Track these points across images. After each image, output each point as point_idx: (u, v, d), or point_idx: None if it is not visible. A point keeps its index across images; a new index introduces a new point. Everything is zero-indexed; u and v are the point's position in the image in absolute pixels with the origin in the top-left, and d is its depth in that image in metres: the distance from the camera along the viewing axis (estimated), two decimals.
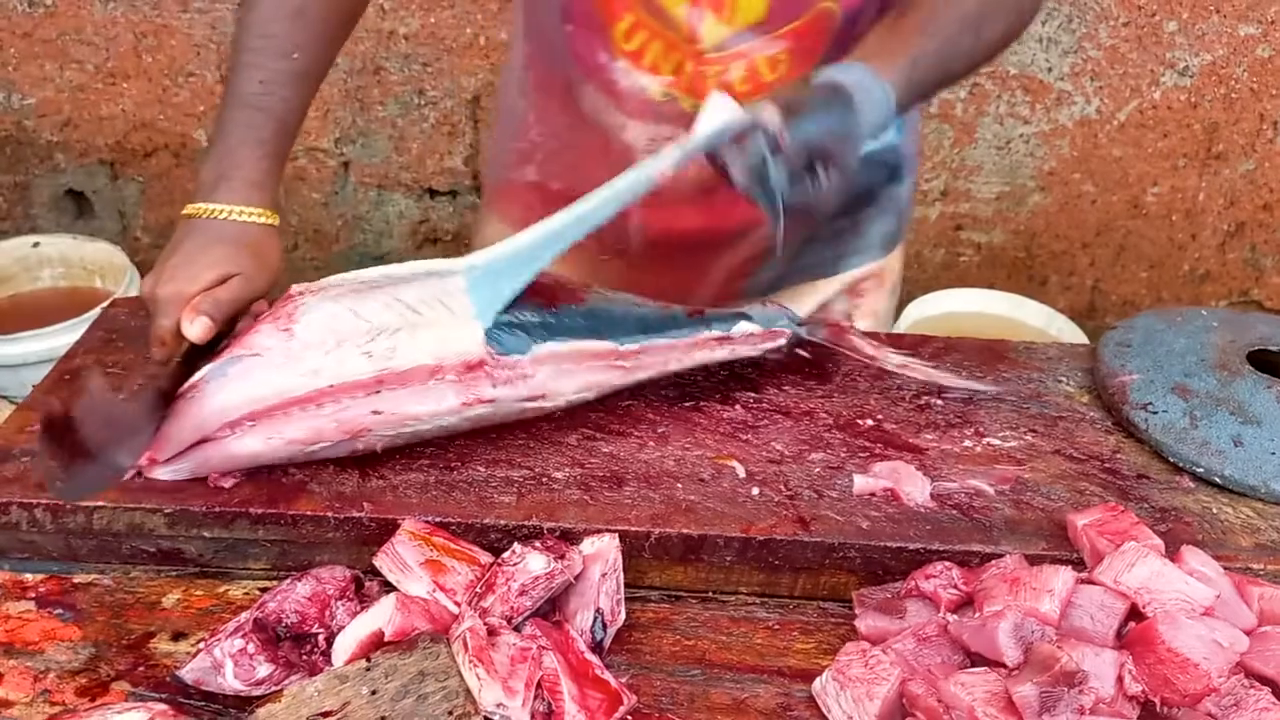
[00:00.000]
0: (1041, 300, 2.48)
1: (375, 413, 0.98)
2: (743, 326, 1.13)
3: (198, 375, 0.96)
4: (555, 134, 1.29)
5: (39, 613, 0.94)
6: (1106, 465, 1.08)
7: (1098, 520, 0.96)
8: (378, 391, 0.97)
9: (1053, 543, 0.98)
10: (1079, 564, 0.96)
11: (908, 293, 2.41)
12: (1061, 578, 0.89)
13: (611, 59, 1.16)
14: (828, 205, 0.98)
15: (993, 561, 0.95)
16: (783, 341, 1.16)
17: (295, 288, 1.01)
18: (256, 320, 1.00)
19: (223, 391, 0.95)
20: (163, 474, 0.98)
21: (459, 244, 2.63)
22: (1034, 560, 0.95)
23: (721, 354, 1.13)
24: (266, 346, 0.96)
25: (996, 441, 1.10)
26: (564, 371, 1.04)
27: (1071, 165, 2.43)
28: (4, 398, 2.17)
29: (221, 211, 1.04)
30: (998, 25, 1.10)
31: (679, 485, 1.03)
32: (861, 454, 1.08)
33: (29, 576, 0.98)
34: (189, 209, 1.06)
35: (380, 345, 0.97)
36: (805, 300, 1.35)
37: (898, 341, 1.25)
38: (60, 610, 0.95)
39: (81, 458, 0.88)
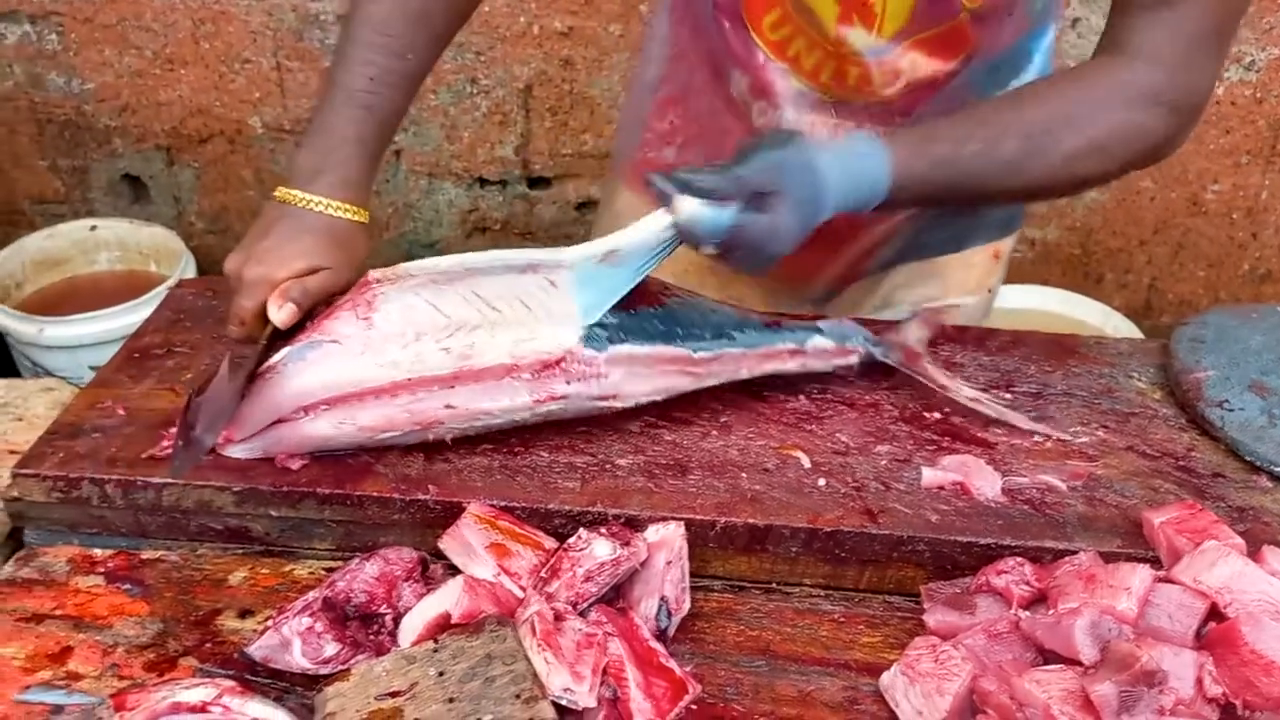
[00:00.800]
0: (1097, 298, 2.44)
1: (448, 407, 0.98)
2: (816, 341, 1.12)
3: (276, 357, 0.97)
4: (698, 118, 1.28)
5: (108, 588, 0.95)
6: (1181, 463, 1.06)
7: (1175, 518, 0.94)
8: (452, 386, 0.97)
9: (1127, 540, 0.96)
10: (1155, 562, 0.94)
11: None
12: (1139, 576, 0.87)
13: (757, 49, 1.15)
14: (784, 238, 0.98)
15: (1066, 558, 0.94)
16: (855, 359, 1.14)
17: (372, 274, 1.01)
18: (335, 306, 1.00)
19: (301, 375, 0.96)
20: (236, 452, 0.99)
21: (508, 232, 2.64)
22: (1108, 558, 0.93)
23: (792, 365, 1.12)
24: (346, 334, 0.96)
25: (1067, 437, 1.08)
26: (637, 374, 1.03)
27: None
28: (62, 379, 2.20)
29: (317, 204, 1.04)
30: (1083, 154, 1.05)
31: (744, 475, 1.02)
32: (929, 447, 1.07)
33: (98, 551, 0.99)
34: (282, 193, 1.05)
35: (459, 341, 0.97)
36: (927, 281, 1.35)
37: (963, 335, 1.23)
38: (129, 585, 0.95)
39: (184, 438, 0.91)
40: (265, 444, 0.98)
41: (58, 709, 0.85)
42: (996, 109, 1.08)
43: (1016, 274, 2.54)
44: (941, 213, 1.28)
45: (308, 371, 0.96)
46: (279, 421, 0.97)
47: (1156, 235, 2.46)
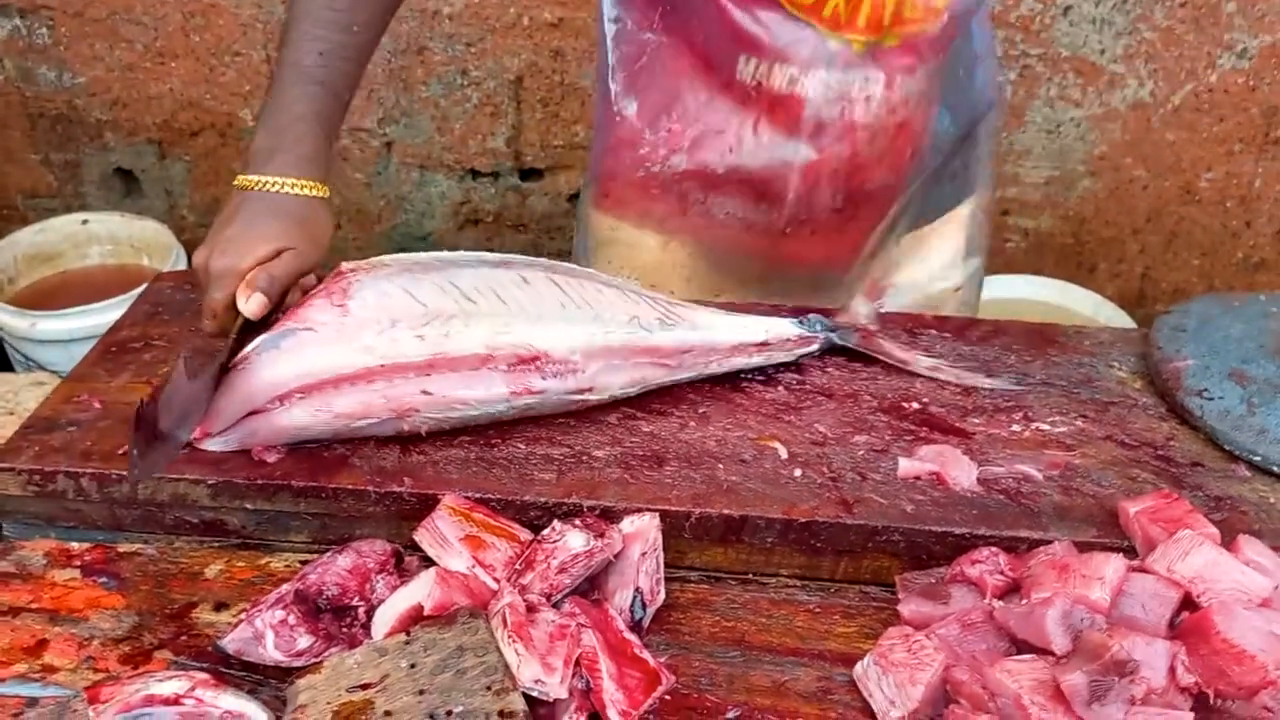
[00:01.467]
0: (1090, 287, 2.44)
1: (425, 393, 0.98)
2: (777, 330, 1.13)
3: (250, 347, 0.97)
4: (698, 117, 1.24)
5: (84, 581, 0.95)
6: (1160, 452, 1.06)
7: (1150, 507, 0.94)
8: (428, 374, 0.97)
9: (1103, 530, 0.96)
10: (1130, 552, 0.93)
11: None
12: (1113, 565, 0.87)
13: (772, 12, 1.14)
14: None
15: (1041, 548, 0.93)
16: (816, 347, 1.15)
17: (345, 265, 1.01)
18: (308, 295, 1.00)
19: (275, 364, 0.96)
20: (212, 446, 0.99)
21: (500, 224, 2.64)
22: (1083, 547, 0.92)
23: (758, 359, 1.13)
24: (320, 321, 0.96)
25: (1045, 427, 1.08)
26: (613, 367, 1.04)
27: (1123, 150, 2.39)
28: (54, 373, 2.20)
29: (275, 184, 1.04)
30: None
31: (720, 465, 1.02)
32: (906, 437, 1.07)
33: (74, 545, 0.99)
34: (241, 180, 1.06)
35: (434, 330, 0.97)
36: (946, 239, 1.40)
37: (943, 324, 1.23)
38: (105, 579, 0.96)
39: (151, 438, 0.89)
40: (241, 436, 0.98)
41: (32, 701, 0.85)
42: None
43: (1009, 264, 2.54)
44: (940, 176, 1.30)
45: (282, 360, 0.96)
46: (254, 413, 0.97)
47: (1149, 224, 2.46)
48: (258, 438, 0.98)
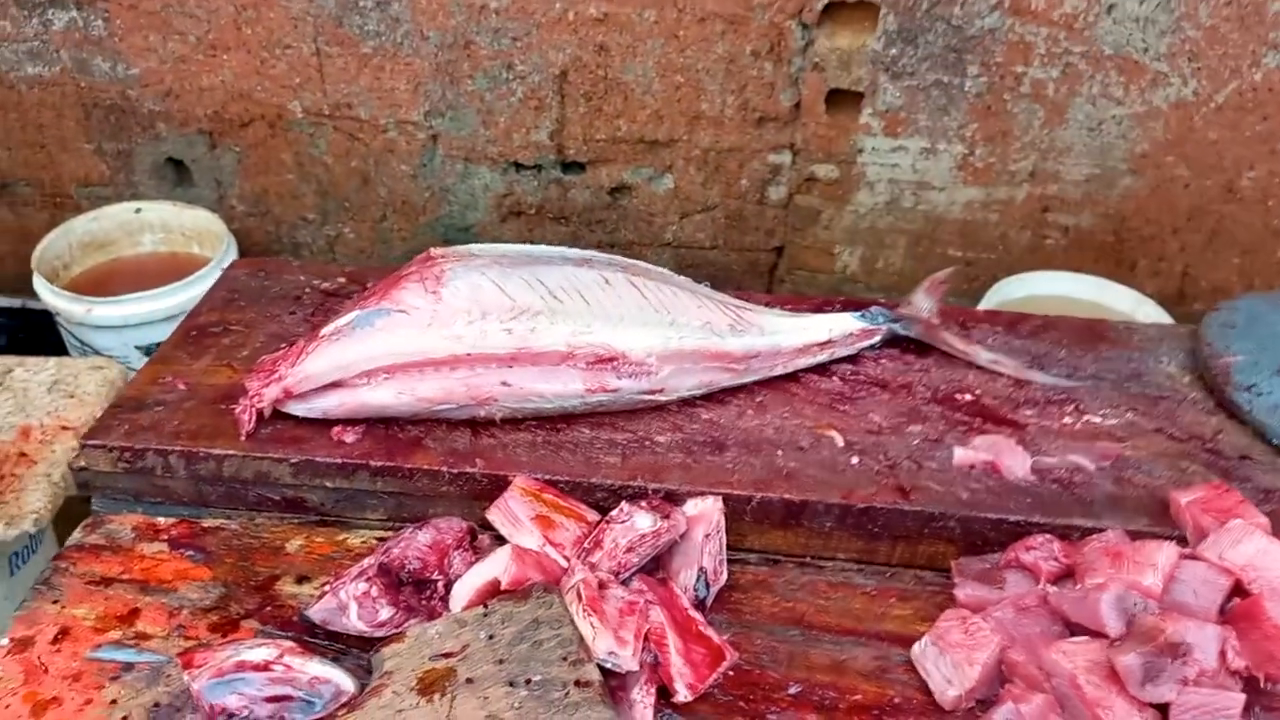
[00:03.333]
0: (1129, 285, 2.44)
1: (504, 384, 1.02)
2: (843, 325, 1.16)
3: (344, 319, 1.01)
4: None
5: (172, 554, 1.00)
6: (1209, 445, 1.08)
7: (1202, 498, 0.97)
8: (510, 366, 1.02)
9: (1154, 519, 0.99)
10: (1181, 541, 0.96)
11: (991, 274, 2.40)
12: (1165, 552, 0.90)
13: None
14: None
15: (1094, 536, 0.96)
16: (878, 339, 1.18)
17: (435, 251, 1.05)
18: (401, 277, 1.04)
19: (367, 340, 1.00)
20: (296, 409, 1.03)
21: (542, 217, 2.67)
22: (1135, 536, 0.95)
23: (822, 357, 1.16)
24: (414, 306, 1.00)
25: (1096, 419, 1.11)
26: (684, 370, 1.08)
27: (1165, 148, 2.39)
28: (110, 357, 2.26)
29: None
30: None
31: (779, 452, 1.05)
32: (960, 428, 1.09)
33: (161, 520, 1.03)
34: None
35: (521, 324, 1.01)
36: None
37: (994, 319, 1.25)
38: (191, 552, 1.00)
39: None
40: (325, 405, 1.02)
41: (128, 666, 0.89)
42: None
43: (1049, 260, 2.55)
44: None
45: (375, 337, 1.00)
46: (338, 385, 1.01)
47: (1190, 222, 2.46)
48: (341, 410, 1.03)
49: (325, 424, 1.04)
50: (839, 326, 1.16)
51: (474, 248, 1.06)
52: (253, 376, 1.03)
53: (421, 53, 2.42)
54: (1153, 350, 1.22)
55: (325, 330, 1.01)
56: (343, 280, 1.27)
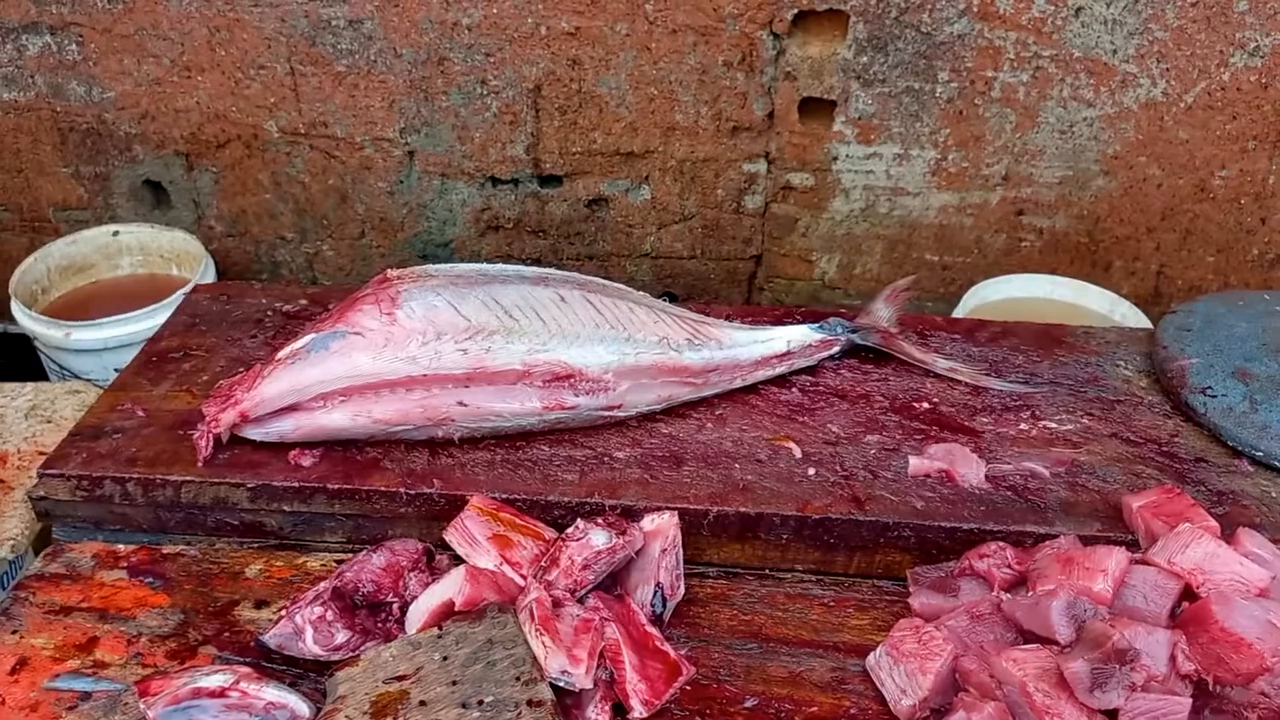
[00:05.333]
0: (1105, 286, 2.45)
1: (461, 404, 1.03)
2: (801, 337, 1.17)
3: (299, 343, 1.01)
4: None
5: (131, 581, 1.00)
6: (1164, 449, 1.09)
7: (1153, 502, 0.97)
8: (466, 386, 1.02)
9: (1108, 524, 0.99)
10: (1134, 545, 0.97)
11: (968, 278, 2.41)
12: (1115, 558, 0.90)
13: None
14: None
15: (1047, 542, 0.97)
16: (836, 350, 1.19)
17: (391, 273, 1.06)
18: (357, 299, 1.04)
19: (322, 363, 1.00)
20: (253, 433, 1.03)
21: (520, 231, 2.68)
22: (1089, 541, 0.96)
23: (781, 369, 1.17)
24: (369, 328, 1.01)
25: (1053, 425, 1.11)
26: (642, 386, 1.08)
27: (1136, 149, 2.40)
28: (89, 381, 2.26)
29: None
30: None
31: (737, 465, 1.06)
32: (917, 436, 1.10)
33: (121, 547, 1.04)
34: None
35: (476, 344, 1.02)
36: None
37: (953, 326, 1.26)
38: (150, 579, 1.00)
39: None
40: (281, 429, 1.03)
41: (85, 695, 0.89)
42: None
43: (1024, 263, 2.55)
44: None
45: (330, 360, 1.01)
46: (294, 409, 1.02)
47: (1164, 222, 2.47)
48: (297, 434, 1.03)
49: (283, 448, 1.05)
50: (797, 338, 1.17)
51: (430, 268, 1.07)
52: (210, 402, 1.04)
53: (395, 70, 2.43)
54: (1110, 354, 1.22)
55: (281, 354, 1.01)
56: (305, 302, 1.28)
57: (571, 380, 1.04)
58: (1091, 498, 1.02)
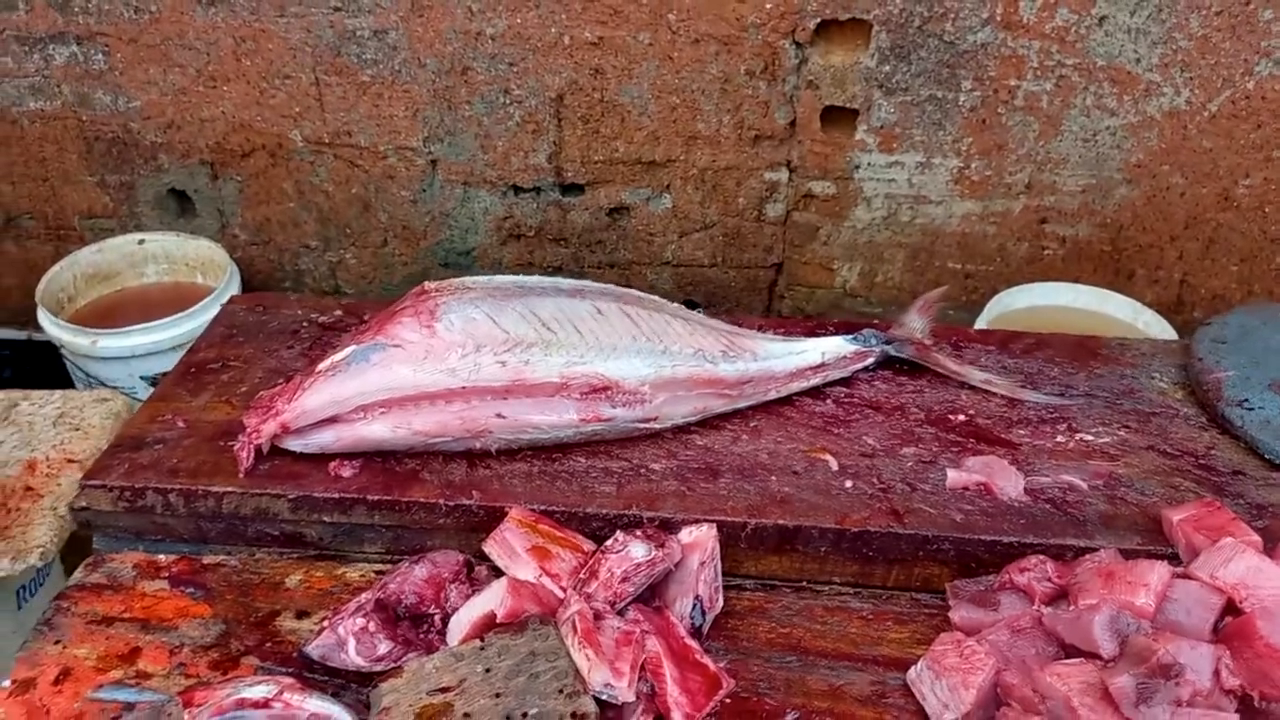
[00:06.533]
0: (1128, 294, 2.45)
1: (499, 416, 1.03)
2: (835, 349, 1.17)
3: (340, 355, 1.02)
4: None
5: (173, 591, 1.01)
6: (1201, 461, 1.09)
7: (1193, 515, 0.97)
8: (505, 398, 1.03)
9: (1147, 538, 0.99)
10: (1174, 559, 0.96)
11: (991, 286, 2.40)
12: (1157, 572, 0.90)
13: None
14: None
15: (1087, 555, 0.96)
16: (871, 361, 1.19)
17: (429, 285, 1.06)
18: (396, 311, 1.05)
19: (362, 375, 1.01)
20: (293, 445, 1.04)
21: (541, 239, 2.68)
22: (1129, 555, 0.96)
23: (815, 381, 1.17)
24: (409, 340, 1.02)
25: (1089, 437, 1.11)
26: (678, 398, 1.09)
27: (1160, 157, 2.40)
28: (115, 389, 2.27)
29: None
30: None
31: (773, 477, 1.06)
32: (954, 449, 1.10)
33: (162, 557, 1.04)
34: None
35: (515, 357, 1.02)
36: None
37: (987, 338, 1.26)
38: (192, 589, 1.01)
39: None
40: (322, 441, 1.04)
41: (129, 706, 0.90)
42: None
43: (1047, 271, 2.55)
44: None
45: (370, 373, 1.01)
46: (334, 420, 1.02)
47: (1187, 231, 2.46)
48: (338, 445, 1.04)
49: (323, 459, 1.05)
50: (832, 350, 1.17)
51: (468, 280, 1.07)
52: (250, 413, 1.05)
53: (419, 79, 2.44)
54: (1145, 366, 1.22)
55: (321, 366, 1.02)
56: (340, 313, 1.29)
57: (608, 392, 1.04)
58: (1130, 510, 1.02)
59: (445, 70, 2.51)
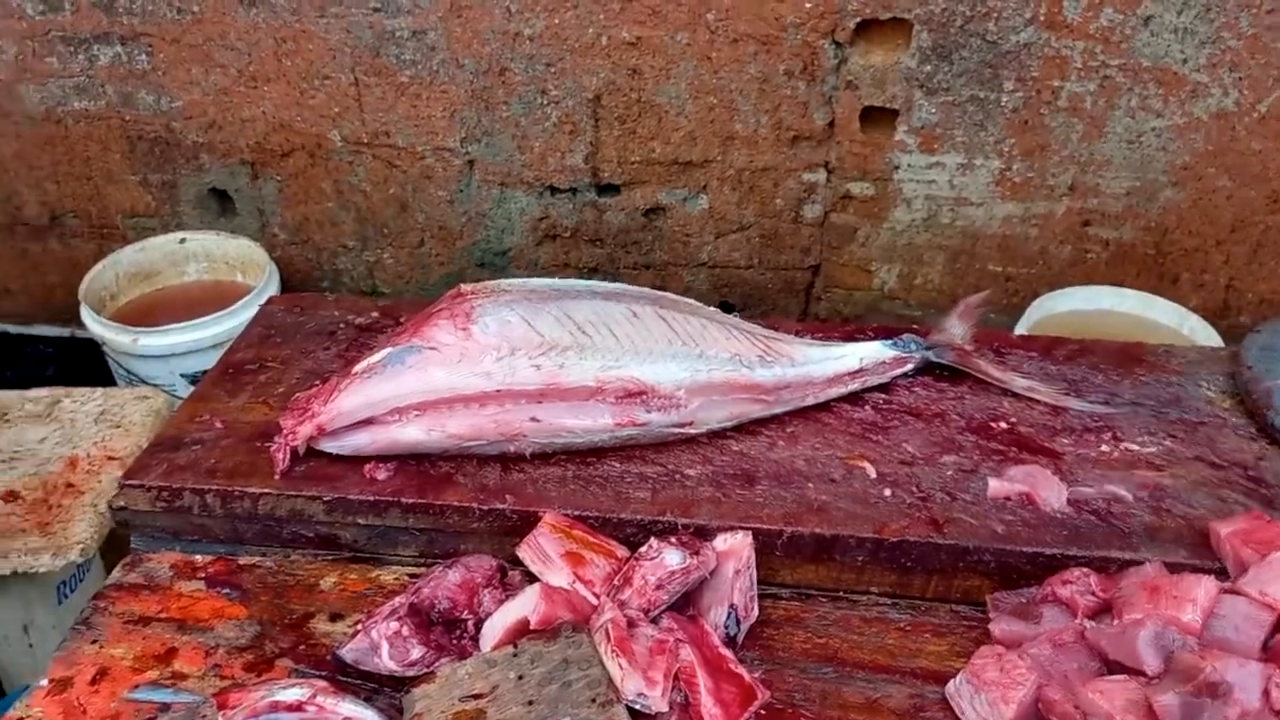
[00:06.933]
0: (1173, 299, 2.41)
1: (534, 420, 1.03)
2: (874, 354, 1.16)
3: (376, 357, 1.02)
4: None
5: (209, 592, 1.01)
6: (1250, 473, 1.06)
7: (1242, 529, 0.95)
8: (539, 402, 1.02)
9: (1193, 551, 0.97)
10: (1221, 573, 0.94)
11: (1032, 290, 2.37)
12: (1204, 587, 0.88)
13: None
14: None
15: (1132, 569, 0.94)
16: (910, 367, 1.17)
17: (465, 288, 1.06)
18: (432, 314, 1.05)
19: (398, 378, 1.01)
20: (329, 446, 1.04)
21: (577, 239, 2.68)
22: (1174, 568, 0.94)
23: (854, 386, 1.16)
24: (444, 343, 1.01)
25: (1134, 447, 1.09)
26: (714, 403, 1.08)
27: (1206, 159, 2.35)
28: (157, 387, 2.30)
29: None
30: None
31: (810, 485, 1.05)
32: (995, 457, 1.08)
33: (198, 557, 1.05)
34: None
35: (550, 360, 1.02)
36: None
37: (1029, 344, 1.24)
38: (228, 590, 1.01)
39: None
40: (356, 443, 1.04)
41: (165, 707, 0.90)
42: None
43: (1090, 275, 2.52)
44: None
45: (405, 375, 1.01)
46: (370, 422, 1.02)
47: (1234, 234, 2.42)
48: (372, 447, 1.04)
49: (358, 461, 1.05)
50: (870, 355, 1.15)
51: (504, 283, 1.07)
52: (287, 415, 1.05)
53: (457, 80, 2.45)
54: (1192, 374, 1.20)
55: (357, 368, 1.02)
56: (376, 315, 1.29)
57: (644, 397, 1.03)
58: (1176, 523, 1.00)
59: (483, 71, 2.51)
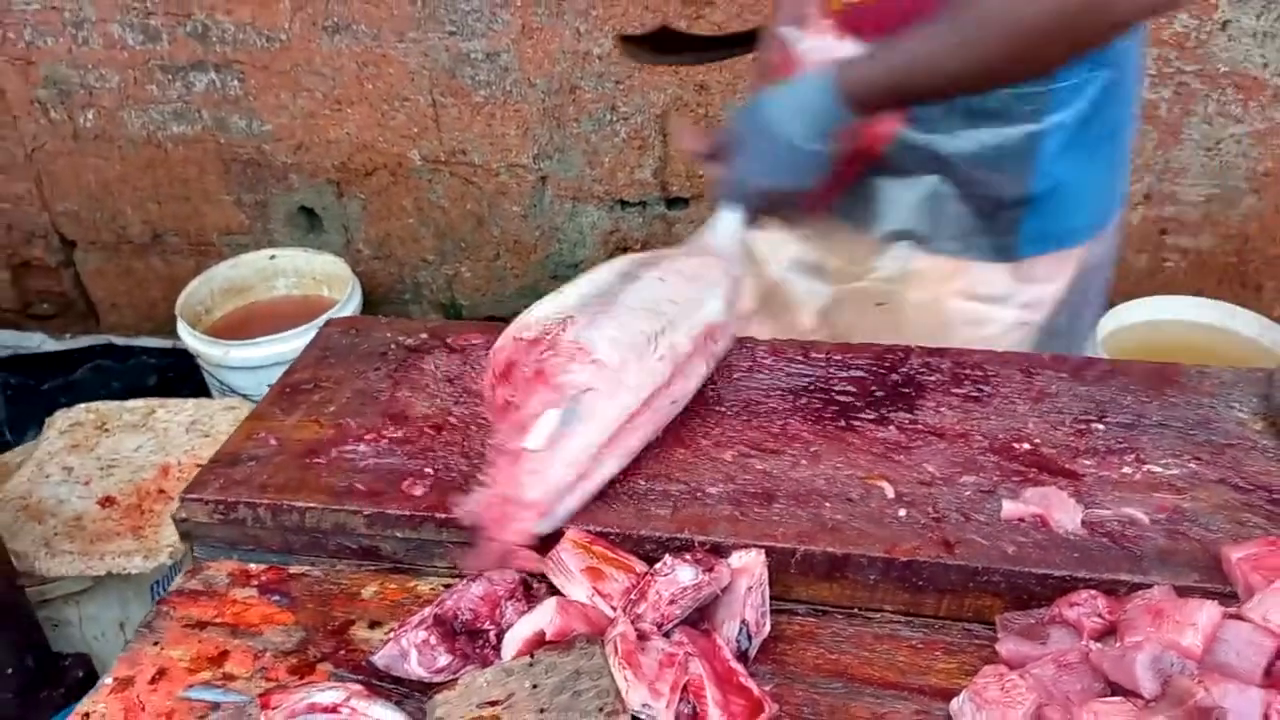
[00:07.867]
0: (1255, 309, 2.34)
1: (673, 403, 1.16)
2: None
3: (547, 430, 1.05)
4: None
5: (260, 599, 1.09)
6: (1275, 497, 1.05)
7: (1254, 554, 0.94)
8: (669, 385, 1.13)
9: (1206, 575, 0.97)
10: (1233, 598, 0.94)
11: (1110, 300, 2.33)
12: (1206, 611, 0.88)
13: None
14: (763, 175, 1.22)
15: (1140, 592, 0.95)
16: None
17: (538, 328, 1.10)
18: (543, 371, 1.07)
19: (582, 430, 1.06)
20: (544, 527, 1.06)
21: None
22: (1184, 592, 0.94)
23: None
24: (591, 383, 1.07)
25: (1157, 469, 1.09)
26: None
27: None
28: (245, 397, 2.42)
29: None
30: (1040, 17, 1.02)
31: (827, 504, 1.08)
32: (1015, 478, 1.09)
33: (253, 566, 1.13)
34: None
35: (663, 345, 1.11)
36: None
37: (1059, 364, 1.24)
38: (278, 597, 1.09)
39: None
40: (569, 508, 1.07)
41: (215, 706, 0.98)
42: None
43: (1168, 284, 2.46)
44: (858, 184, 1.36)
45: (587, 425, 1.07)
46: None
47: None
48: (578, 500, 1.08)
49: (397, 477, 1.12)
50: None
51: (558, 307, 1.14)
52: (492, 527, 1.06)
53: (529, 99, 2.53)
54: (1224, 395, 1.18)
55: (533, 447, 1.05)
56: (425, 336, 1.36)
57: (715, 333, 1.19)
58: (1191, 546, 0.99)
59: (554, 89, 2.58)
